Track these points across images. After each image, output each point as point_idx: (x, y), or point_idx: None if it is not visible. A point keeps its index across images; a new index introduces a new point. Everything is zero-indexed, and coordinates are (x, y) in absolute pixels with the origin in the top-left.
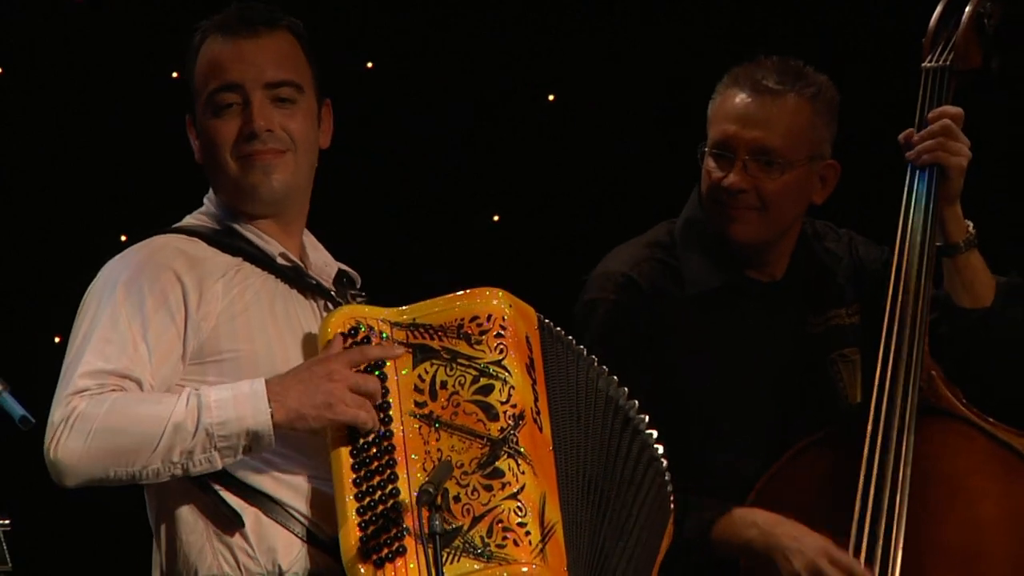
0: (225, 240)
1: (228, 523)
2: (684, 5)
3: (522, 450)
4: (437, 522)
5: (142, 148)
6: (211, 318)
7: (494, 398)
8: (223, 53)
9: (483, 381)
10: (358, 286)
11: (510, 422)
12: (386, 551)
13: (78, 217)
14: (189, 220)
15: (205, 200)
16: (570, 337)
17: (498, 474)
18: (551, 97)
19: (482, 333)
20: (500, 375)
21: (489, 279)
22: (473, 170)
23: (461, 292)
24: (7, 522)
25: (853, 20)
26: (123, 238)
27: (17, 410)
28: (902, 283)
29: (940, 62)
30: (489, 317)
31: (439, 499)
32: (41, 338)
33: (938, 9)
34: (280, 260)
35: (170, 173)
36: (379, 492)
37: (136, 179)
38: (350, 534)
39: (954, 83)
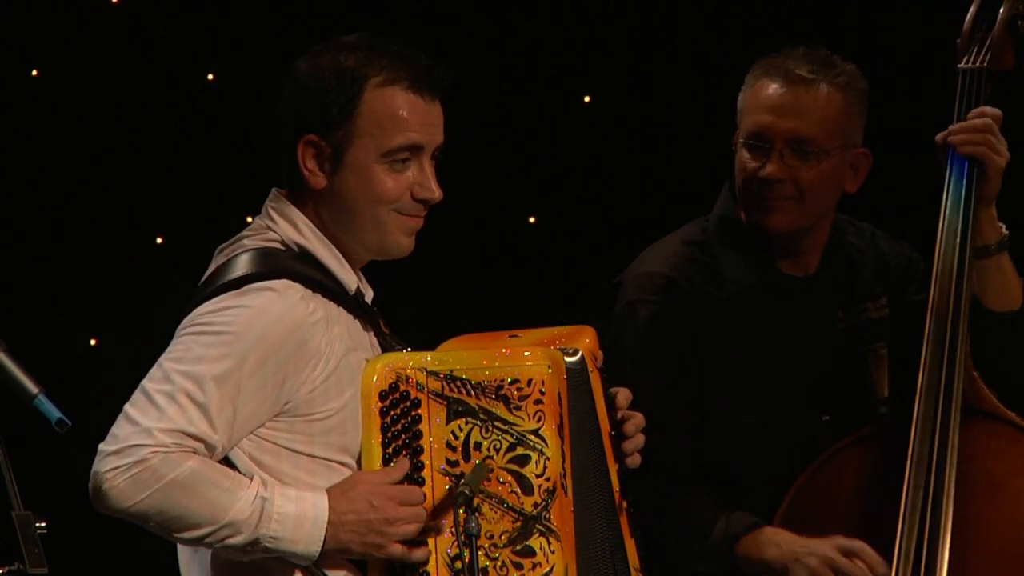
0: (312, 276)
1: None
2: (718, 4)
3: (553, 528)
4: (473, 524)
5: (178, 149)
6: (310, 383)
7: (529, 470)
8: (414, 109)
9: (519, 450)
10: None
11: (544, 497)
12: None
13: (113, 219)
14: (271, 243)
15: (277, 216)
16: (594, 372)
17: (529, 552)
18: (587, 99)
19: (522, 399)
20: (537, 445)
21: (524, 281)
22: (508, 172)
23: (504, 349)
24: (43, 524)
25: (885, 18)
26: (159, 240)
27: (54, 413)
28: (942, 284)
29: (977, 64)
30: (530, 382)
31: (475, 500)
32: (77, 340)
33: (972, 11)
34: (351, 291)
35: (206, 175)
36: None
37: (172, 181)
38: None
39: (990, 84)
